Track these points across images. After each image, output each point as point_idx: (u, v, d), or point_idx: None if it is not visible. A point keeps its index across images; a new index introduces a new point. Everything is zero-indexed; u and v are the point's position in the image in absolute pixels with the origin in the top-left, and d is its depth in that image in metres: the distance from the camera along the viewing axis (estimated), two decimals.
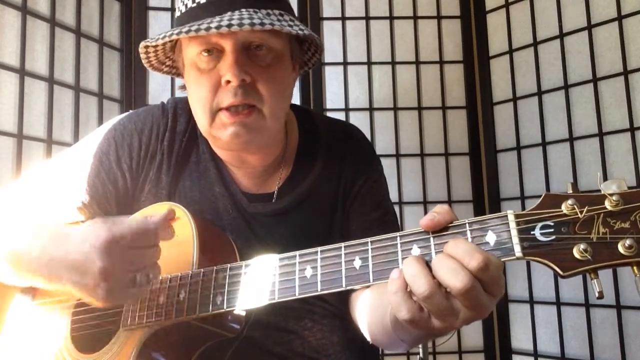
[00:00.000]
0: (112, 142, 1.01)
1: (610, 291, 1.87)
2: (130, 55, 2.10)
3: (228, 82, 0.87)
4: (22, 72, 1.68)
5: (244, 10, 0.85)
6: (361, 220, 1.02)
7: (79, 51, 1.90)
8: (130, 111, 1.08)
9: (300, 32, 0.87)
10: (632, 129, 1.86)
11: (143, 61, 0.99)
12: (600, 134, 1.94)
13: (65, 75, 1.86)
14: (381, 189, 1.07)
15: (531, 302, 2.11)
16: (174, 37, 0.86)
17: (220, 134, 0.90)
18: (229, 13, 0.85)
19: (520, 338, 2.15)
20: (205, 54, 0.90)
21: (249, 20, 0.81)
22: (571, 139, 2.02)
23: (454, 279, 0.59)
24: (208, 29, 0.81)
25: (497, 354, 2.17)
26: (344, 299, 1.01)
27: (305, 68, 1.07)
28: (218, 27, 0.81)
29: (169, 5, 2.17)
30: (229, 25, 0.80)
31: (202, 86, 0.90)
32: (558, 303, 2.03)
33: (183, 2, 0.92)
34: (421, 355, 1.84)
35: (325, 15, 2.30)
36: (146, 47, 0.95)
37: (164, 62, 1.03)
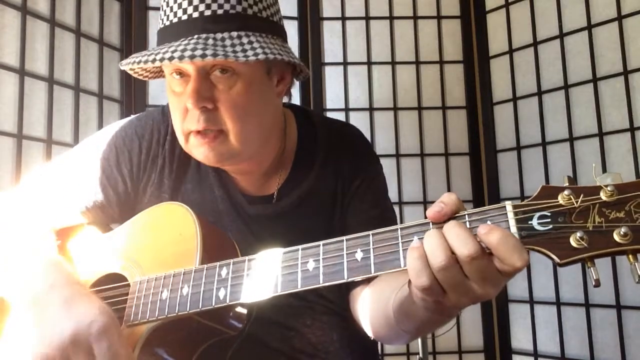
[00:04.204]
0: (112, 147, 1.02)
1: (610, 291, 1.87)
2: (130, 55, 2.09)
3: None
4: (22, 72, 1.68)
5: (196, 37, 0.85)
6: (360, 218, 1.02)
7: (79, 51, 1.90)
8: (132, 116, 1.09)
9: (252, 58, 0.83)
10: (632, 129, 1.86)
11: (135, 76, 1.01)
12: (600, 134, 1.94)
13: (65, 76, 1.86)
14: (379, 188, 1.07)
15: (531, 302, 2.11)
16: (130, 66, 0.88)
17: (194, 153, 0.93)
18: (181, 41, 0.85)
19: (520, 338, 2.15)
20: (177, 77, 0.91)
21: (190, 52, 0.81)
22: (571, 139, 2.02)
23: (464, 248, 0.60)
24: (154, 60, 0.82)
25: (497, 354, 2.17)
26: (344, 296, 1.02)
27: (301, 75, 1.04)
28: (161, 60, 0.81)
29: None
30: (171, 58, 0.81)
31: (175, 109, 0.92)
32: (558, 303, 2.03)
33: (161, 17, 0.92)
34: (421, 355, 1.84)
35: (325, 15, 2.30)
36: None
37: (161, 70, 1.03)
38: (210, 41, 0.84)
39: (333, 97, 2.27)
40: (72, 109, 1.87)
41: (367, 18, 2.30)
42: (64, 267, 0.90)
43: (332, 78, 2.28)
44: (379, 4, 2.31)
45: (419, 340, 1.87)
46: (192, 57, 0.80)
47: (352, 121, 2.25)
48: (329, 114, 2.24)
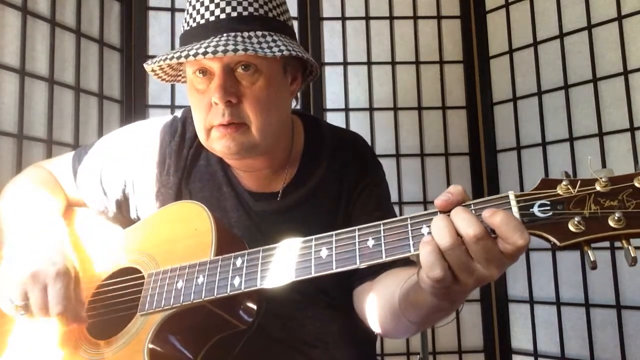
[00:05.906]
0: (125, 148, 1.12)
1: (610, 291, 1.87)
2: (130, 55, 2.10)
3: (216, 103, 0.93)
4: (23, 72, 1.68)
5: (225, 34, 0.91)
6: (363, 219, 1.04)
7: (79, 51, 1.90)
8: (158, 122, 1.16)
9: (278, 53, 0.90)
10: (632, 129, 1.87)
11: (154, 78, 1.06)
12: (600, 134, 1.94)
13: (66, 76, 1.86)
14: (383, 193, 1.12)
15: (531, 302, 2.11)
16: (161, 63, 0.93)
17: (214, 146, 0.98)
18: (211, 38, 0.90)
19: (520, 338, 2.15)
20: (200, 75, 0.96)
21: (223, 47, 0.87)
22: (571, 139, 2.02)
23: (469, 229, 0.64)
24: (187, 56, 0.87)
25: (497, 354, 2.18)
26: (346, 292, 1.05)
27: (311, 77, 1.10)
28: (195, 55, 0.87)
29: (169, 5, 2.17)
30: (204, 53, 0.86)
31: (197, 106, 0.98)
32: (558, 303, 2.03)
33: (186, 20, 0.98)
34: (421, 355, 1.84)
35: (325, 15, 2.30)
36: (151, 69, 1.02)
37: (179, 74, 1.09)
38: (239, 38, 0.90)
39: (333, 97, 2.27)
40: (72, 109, 1.87)
41: (367, 18, 2.31)
42: (59, 232, 1.00)
43: (332, 78, 2.28)
44: (379, 4, 2.31)
45: (420, 339, 1.87)
46: (225, 51, 0.86)
47: (352, 121, 2.26)
48: (329, 114, 2.25)
